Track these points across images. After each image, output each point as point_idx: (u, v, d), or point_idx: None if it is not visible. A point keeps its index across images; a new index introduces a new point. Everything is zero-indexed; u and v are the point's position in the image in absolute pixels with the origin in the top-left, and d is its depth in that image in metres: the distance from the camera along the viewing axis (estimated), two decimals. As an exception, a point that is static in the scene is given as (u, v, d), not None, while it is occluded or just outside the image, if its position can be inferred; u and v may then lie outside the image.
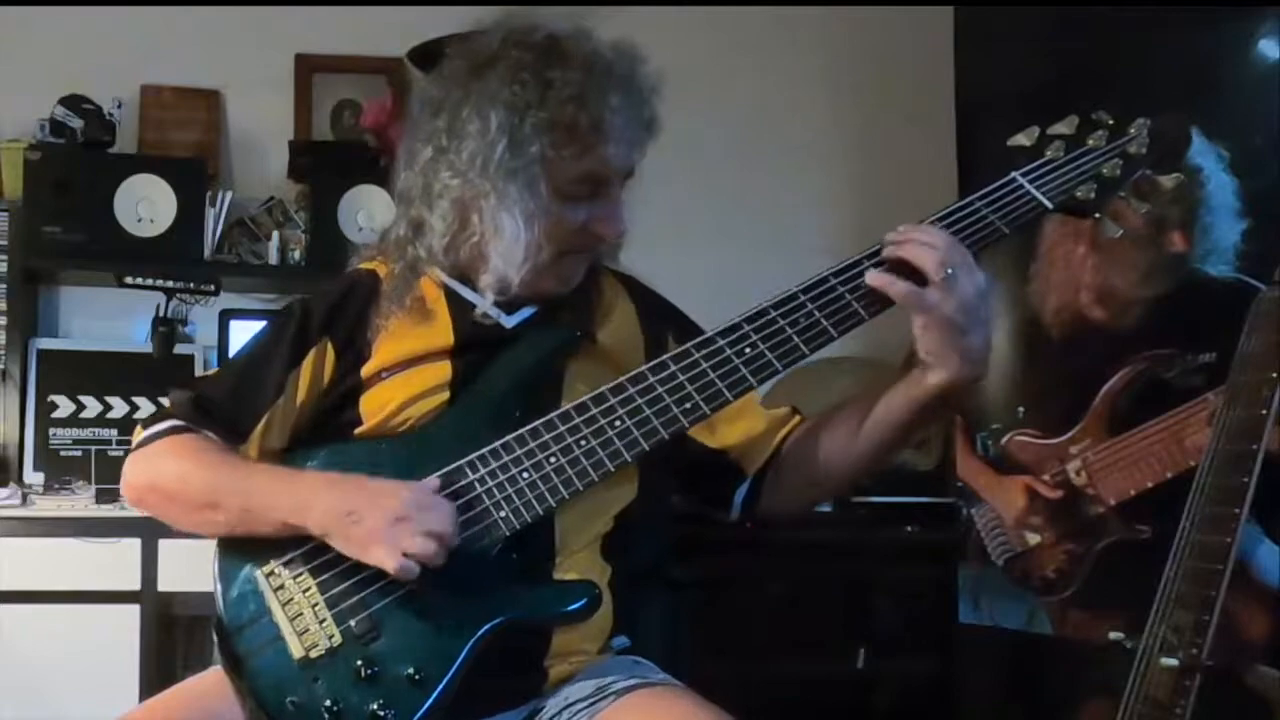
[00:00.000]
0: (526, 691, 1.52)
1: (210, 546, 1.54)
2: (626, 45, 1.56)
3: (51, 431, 3.02)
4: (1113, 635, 2.24)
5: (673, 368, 1.49)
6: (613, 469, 1.47)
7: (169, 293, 2.95)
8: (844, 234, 3.31)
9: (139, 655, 2.71)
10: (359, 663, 1.42)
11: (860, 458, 1.60)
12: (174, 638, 3.01)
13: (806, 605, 2.88)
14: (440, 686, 1.41)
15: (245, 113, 3.31)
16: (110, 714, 1.52)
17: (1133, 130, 1.54)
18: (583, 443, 1.47)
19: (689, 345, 1.50)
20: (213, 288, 2.98)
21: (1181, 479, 2.16)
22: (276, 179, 3.25)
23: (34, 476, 2.96)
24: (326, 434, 1.58)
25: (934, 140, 2.97)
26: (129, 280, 2.91)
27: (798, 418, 1.70)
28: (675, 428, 1.47)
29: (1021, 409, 2.55)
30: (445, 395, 1.56)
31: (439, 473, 1.47)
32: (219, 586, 1.50)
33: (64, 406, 3.03)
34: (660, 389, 1.48)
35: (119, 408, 3.06)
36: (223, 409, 1.58)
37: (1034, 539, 2.52)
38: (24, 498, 2.81)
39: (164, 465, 1.54)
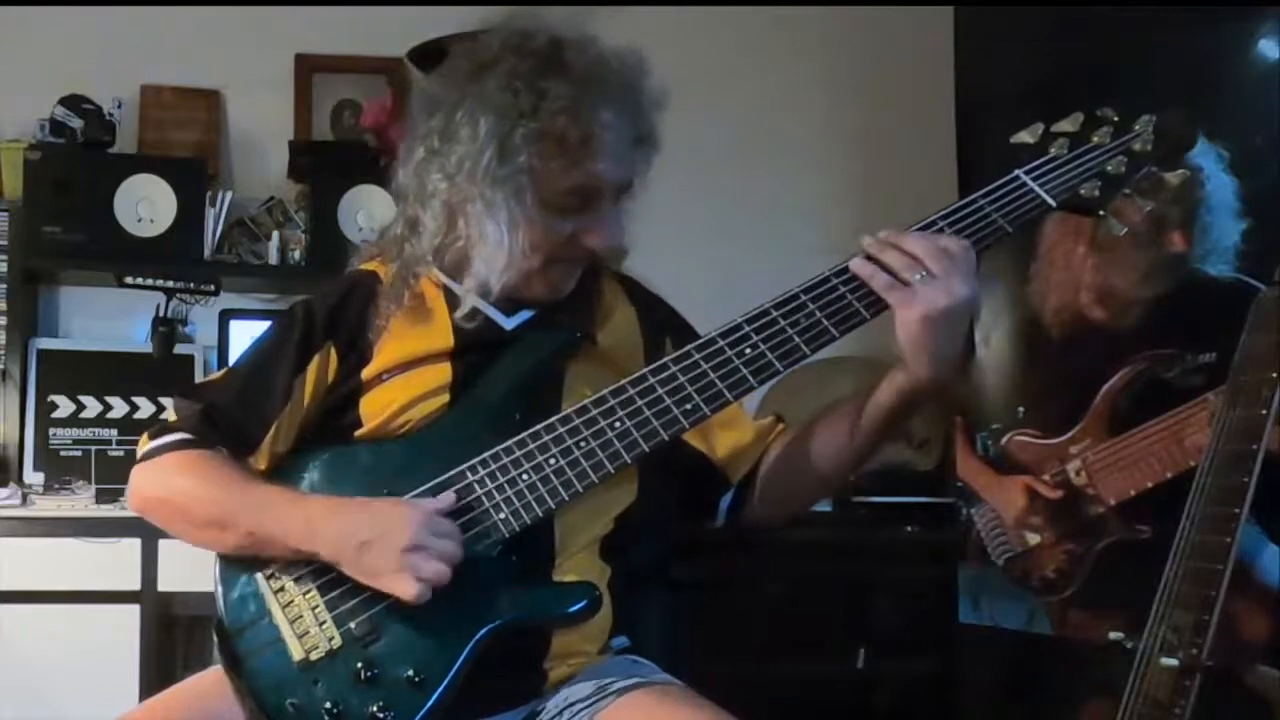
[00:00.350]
0: (526, 692, 1.52)
1: (211, 547, 1.54)
2: (631, 56, 1.55)
3: (51, 431, 3.02)
4: (1113, 635, 2.24)
5: (673, 369, 1.48)
6: (613, 470, 1.47)
7: (169, 293, 2.95)
8: (844, 234, 3.27)
9: (139, 655, 2.71)
10: (359, 665, 1.42)
11: (839, 463, 1.61)
12: (174, 638, 3.01)
13: (806, 605, 2.88)
14: (440, 688, 1.41)
15: (245, 113, 3.31)
16: (110, 714, 1.52)
17: (1138, 127, 1.53)
18: (582, 444, 1.47)
19: (689, 347, 1.50)
20: (213, 288, 2.99)
21: (1181, 479, 2.16)
22: (276, 179, 3.25)
23: (34, 476, 2.96)
24: (327, 436, 1.58)
25: (934, 140, 2.97)
26: (129, 280, 2.91)
27: (781, 426, 1.70)
28: (675, 429, 1.47)
29: (1021, 409, 2.55)
30: (445, 397, 1.56)
31: (439, 479, 1.47)
32: (220, 588, 1.50)
33: (64, 406, 3.03)
34: (660, 390, 1.48)
35: (119, 408, 3.06)
36: (232, 420, 1.57)
37: (1034, 539, 2.52)
38: (24, 498, 2.81)
39: (173, 481, 1.53)
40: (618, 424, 1.47)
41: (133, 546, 2.68)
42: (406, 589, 1.39)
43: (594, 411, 1.48)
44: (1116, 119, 1.54)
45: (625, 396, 1.48)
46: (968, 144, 2.71)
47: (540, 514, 1.46)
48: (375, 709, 1.40)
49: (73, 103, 3.04)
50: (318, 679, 1.42)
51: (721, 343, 1.48)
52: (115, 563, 2.77)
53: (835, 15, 3.50)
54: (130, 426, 3.04)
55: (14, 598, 2.99)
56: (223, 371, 1.69)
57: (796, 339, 1.47)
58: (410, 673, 1.41)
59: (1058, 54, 2.49)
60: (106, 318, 3.17)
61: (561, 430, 1.48)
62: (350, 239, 2.99)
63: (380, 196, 3.02)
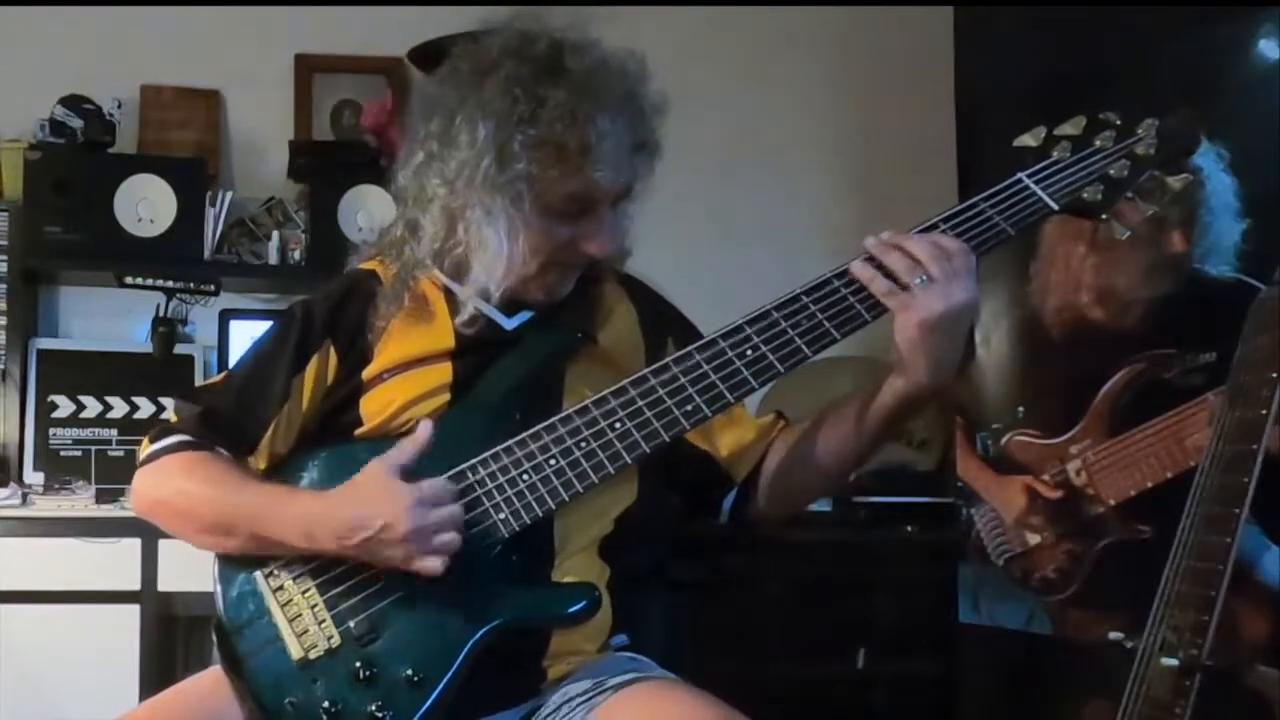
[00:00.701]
0: (525, 691, 1.52)
1: (210, 547, 1.54)
2: (632, 61, 1.55)
3: (51, 431, 3.02)
4: (1113, 635, 2.24)
5: (674, 370, 1.48)
6: (613, 471, 1.47)
7: (169, 293, 2.95)
8: (844, 234, 3.29)
9: (139, 655, 2.71)
10: (358, 664, 1.42)
11: (839, 462, 1.61)
12: (174, 638, 3.01)
13: (806, 605, 2.88)
14: (439, 688, 1.41)
15: (245, 113, 3.30)
16: (110, 714, 1.52)
17: (1140, 131, 1.53)
18: (583, 445, 1.47)
19: (690, 348, 1.50)
20: (213, 288, 2.99)
21: (1181, 479, 2.15)
22: (276, 179, 3.25)
23: (34, 476, 2.95)
24: (327, 435, 1.58)
25: (934, 140, 2.97)
26: (129, 280, 2.91)
27: (782, 423, 1.70)
28: (676, 430, 1.47)
29: (1021, 409, 2.55)
30: (446, 397, 1.56)
31: (439, 478, 1.47)
32: (219, 587, 1.51)
33: (64, 406, 3.03)
34: (661, 391, 1.48)
35: (119, 408, 3.06)
36: (231, 421, 1.57)
37: (1034, 539, 2.52)
38: (24, 498, 2.81)
39: (175, 484, 1.53)
40: (618, 424, 1.47)
41: (133, 546, 2.68)
42: (425, 568, 1.40)
43: (595, 412, 1.48)
44: (1119, 122, 1.54)
45: (626, 397, 1.48)
46: (968, 144, 2.71)
47: (540, 514, 1.46)
48: (374, 708, 1.40)
49: (73, 103, 3.04)
50: (316, 678, 1.43)
51: (723, 344, 1.48)
52: (115, 563, 2.77)
53: (835, 15, 3.50)
54: (130, 426, 3.04)
55: (14, 598, 2.98)
56: (223, 374, 1.70)
57: (797, 340, 1.47)
58: (409, 672, 1.41)
59: (1058, 54, 2.49)
60: (106, 318, 3.17)
61: (562, 430, 1.48)
62: (350, 239, 2.99)
63: (380, 196, 3.02)
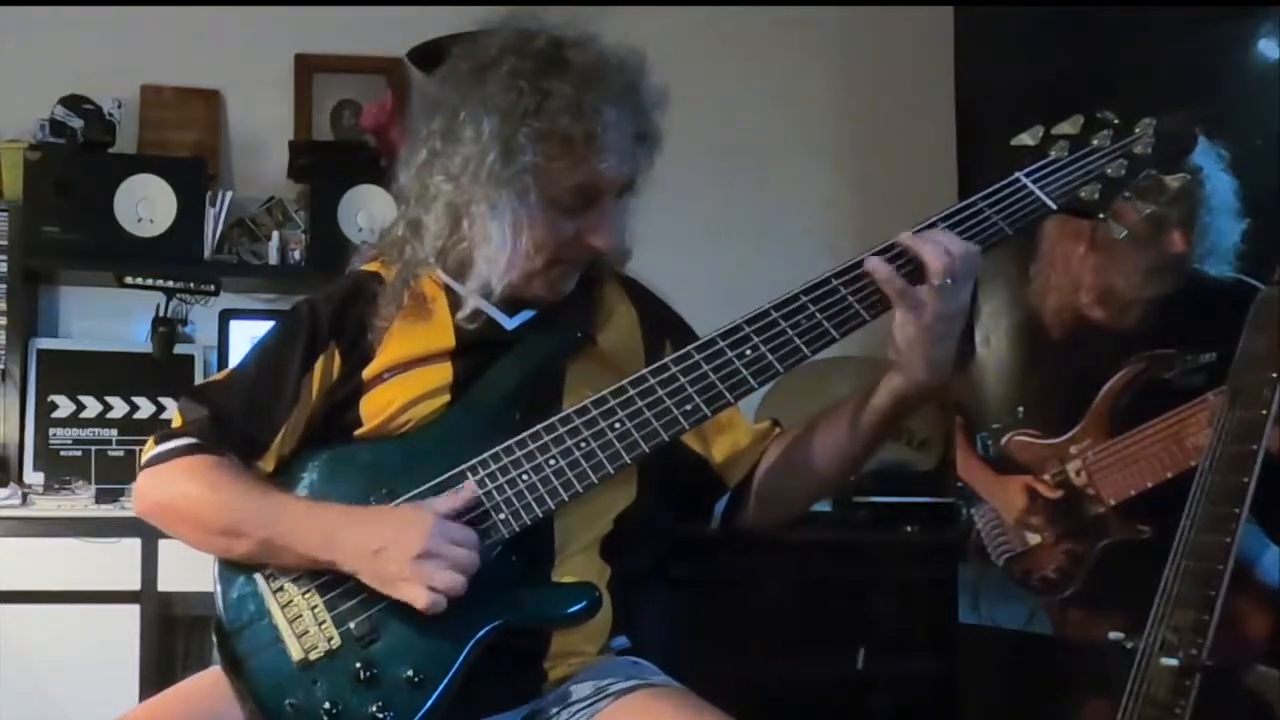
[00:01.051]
0: (525, 692, 1.52)
1: (210, 548, 1.54)
2: (632, 56, 1.56)
3: (51, 431, 3.02)
4: (1113, 635, 2.24)
5: (673, 370, 1.48)
6: (612, 471, 1.47)
7: (169, 293, 2.95)
8: (844, 234, 3.31)
9: (139, 655, 2.71)
10: (358, 665, 1.42)
11: (832, 467, 1.61)
12: (174, 638, 3.01)
13: (806, 605, 2.88)
14: (439, 688, 1.41)
15: (245, 113, 3.31)
16: (110, 714, 1.51)
17: (1138, 130, 1.53)
18: (582, 445, 1.47)
19: (690, 348, 1.49)
20: (213, 288, 2.99)
21: (1181, 479, 2.15)
22: (276, 179, 3.25)
23: (34, 476, 2.95)
24: (328, 435, 1.58)
25: (934, 140, 2.97)
26: (129, 280, 2.91)
27: (778, 430, 1.70)
28: (675, 430, 1.47)
29: (1021, 409, 2.55)
30: (446, 397, 1.56)
31: (439, 478, 1.47)
32: (219, 588, 1.50)
33: (64, 406, 3.03)
34: (660, 391, 1.48)
35: (119, 408, 3.06)
36: (241, 425, 1.56)
37: (1034, 539, 2.52)
38: (24, 498, 2.81)
39: (182, 487, 1.52)
40: (618, 424, 1.47)
41: (133, 546, 2.69)
42: (418, 598, 1.39)
43: (594, 412, 1.48)
44: (1117, 121, 1.54)
45: (625, 397, 1.48)
46: (968, 144, 2.71)
47: (540, 514, 1.46)
48: (374, 709, 1.40)
49: (73, 103, 3.04)
50: (317, 679, 1.42)
51: (722, 344, 1.48)
52: (115, 563, 2.77)
53: (835, 15, 3.50)
54: (130, 426, 3.04)
55: (14, 598, 2.99)
56: (227, 372, 1.68)
57: (796, 340, 1.47)
58: (409, 673, 1.41)
59: (1057, 54, 2.49)
60: (106, 318, 3.17)
61: (561, 431, 1.48)
62: (350, 239, 2.99)
63: (380, 196, 3.02)
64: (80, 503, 2.83)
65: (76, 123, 3.03)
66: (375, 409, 1.56)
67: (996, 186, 1.51)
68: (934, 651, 2.81)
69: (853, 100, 3.52)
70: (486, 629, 1.43)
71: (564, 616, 1.47)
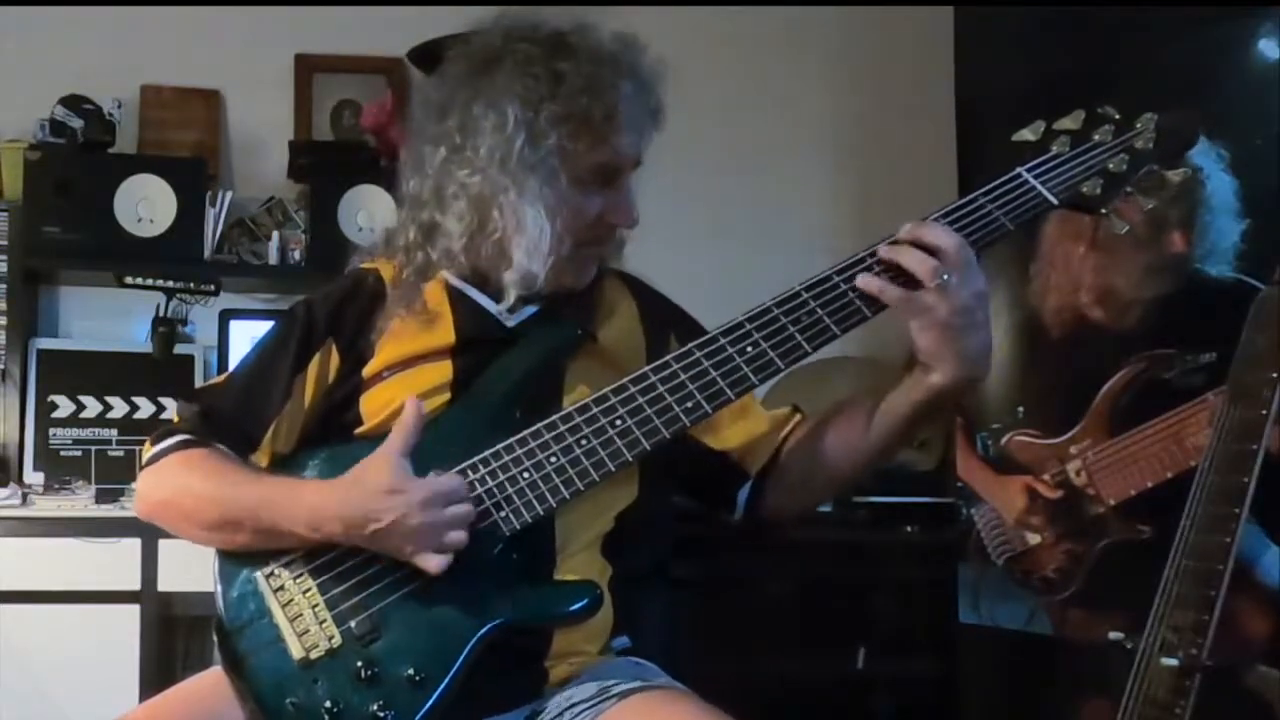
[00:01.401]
0: (527, 692, 1.52)
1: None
2: (627, 36, 1.58)
3: (51, 431, 3.01)
4: (1113, 635, 2.24)
5: (674, 366, 1.48)
6: (614, 469, 1.47)
7: (169, 293, 2.95)
8: (844, 233, 3.31)
9: (139, 655, 2.71)
10: (359, 664, 1.42)
11: (863, 457, 1.59)
12: (174, 638, 3.01)
13: (806, 605, 2.88)
14: (441, 687, 1.41)
15: (245, 113, 3.31)
16: (110, 714, 1.51)
17: (1139, 125, 1.53)
18: (583, 442, 1.47)
19: (691, 345, 1.50)
20: (213, 288, 2.98)
21: (1181, 479, 2.15)
22: (276, 179, 3.25)
23: (34, 476, 2.95)
24: (328, 434, 1.58)
25: (934, 140, 2.97)
26: (129, 280, 2.91)
27: (799, 416, 1.69)
28: (677, 427, 1.47)
29: (1021, 409, 2.55)
30: (446, 395, 1.56)
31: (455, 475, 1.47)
32: (219, 587, 1.50)
33: (64, 406, 3.03)
34: (662, 388, 1.47)
35: (119, 408, 3.06)
36: (232, 420, 1.57)
37: (1034, 539, 2.52)
38: (24, 498, 2.80)
39: (177, 482, 1.53)
40: (619, 422, 1.47)
41: (133, 546, 2.68)
42: (429, 565, 1.40)
43: (595, 409, 1.48)
44: (1118, 117, 1.54)
45: (627, 394, 1.48)
46: (968, 144, 2.71)
47: (540, 512, 1.46)
48: (375, 708, 1.40)
49: (73, 103, 3.04)
50: (318, 678, 1.42)
51: (723, 340, 1.48)
52: (115, 563, 2.77)
53: (835, 15, 3.50)
54: (130, 426, 3.04)
55: (14, 598, 2.99)
56: (224, 375, 1.69)
57: (798, 337, 1.46)
58: (410, 671, 1.41)
59: (1058, 54, 2.49)
60: (106, 318, 3.17)
61: (562, 428, 1.48)
62: (350, 239, 2.99)
63: (380, 196, 3.02)
64: (80, 503, 2.83)
65: (76, 123, 3.03)
66: (375, 407, 1.56)
67: (998, 182, 1.51)
68: (934, 651, 2.80)
69: (853, 100, 3.52)
70: (488, 627, 1.43)
71: (565, 615, 1.47)
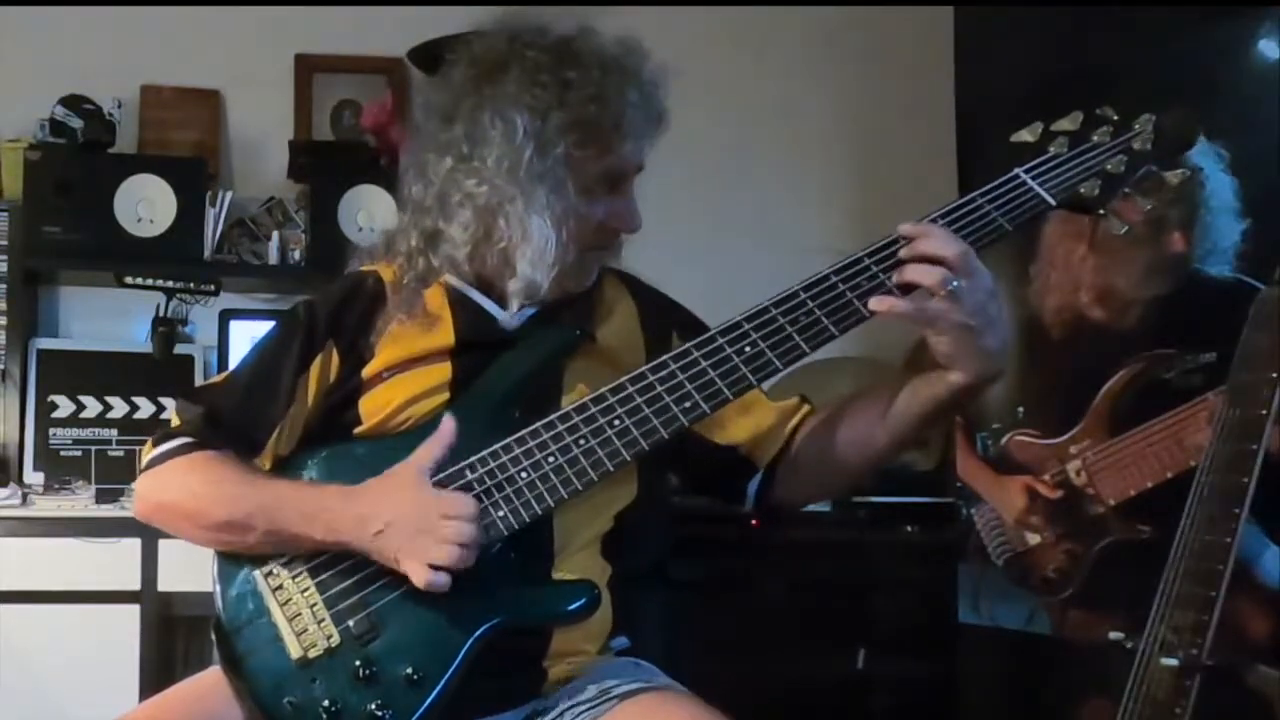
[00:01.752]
0: (526, 692, 1.52)
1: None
2: (631, 41, 1.58)
3: (51, 431, 3.01)
4: (1113, 635, 2.24)
5: (673, 367, 1.48)
6: (612, 469, 1.46)
7: (169, 293, 2.95)
8: (843, 233, 3.31)
9: (139, 655, 2.71)
10: (357, 663, 1.42)
11: (878, 450, 1.59)
12: (174, 638, 3.01)
13: (806, 605, 2.88)
14: (438, 687, 1.41)
15: (245, 113, 3.31)
16: (110, 714, 1.51)
17: (1138, 126, 1.52)
18: (582, 442, 1.47)
19: (689, 345, 1.49)
20: (213, 288, 2.99)
21: (1181, 479, 2.15)
22: (276, 179, 3.25)
23: (34, 476, 2.95)
24: (327, 434, 1.58)
25: (934, 140, 2.97)
26: (129, 280, 2.91)
27: (807, 407, 1.69)
28: (675, 427, 1.47)
29: (1021, 409, 2.55)
30: (445, 395, 1.56)
31: (438, 476, 1.46)
32: (218, 586, 1.50)
33: (64, 406, 3.03)
34: (660, 388, 1.47)
35: (119, 408, 3.06)
36: (236, 423, 1.57)
37: (1034, 539, 2.52)
38: (24, 498, 2.80)
39: (182, 485, 1.53)
40: (617, 422, 1.47)
41: (133, 546, 2.68)
42: (416, 575, 1.39)
43: (594, 409, 1.48)
44: (1116, 118, 1.54)
45: (625, 394, 1.48)
46: (968, 144, 2.71)
47: (539, 512, 1.46)
48: (373, 707, 1.40)
49: (73, 103, 3.04)
50: (316, 677, 1.42)
51: (721, 340, 1.48)
52: (115, 563, 2.77)
53: (835, 14, 3.50)
54: (130, 426, 3.04)
55: (14, 598, 2.99)
56: (225, 374, 1.69)
57: (796, 337, 1.46)
58: (409, 671, 1.41)
59: (1057, 54, 2.49)
60: (106, 318, 3.17)
61: (561, 428, 1.48)
62: (350, 239, 2.99)
63: (380, 196, 3.02)
64: (80, 503, 2.83)
65: (76, 123, 3.03)
66: (375, 408, 1.56)
67: (996, 183, 1.51)
68: (934, 651, 2.80)
69: (853, 100, 3.52)
70: (486, 627, 1.43)
71: (563, 614, 1.47)
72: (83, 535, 2.80)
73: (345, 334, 1.60)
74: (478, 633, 1.43)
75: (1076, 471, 2.42)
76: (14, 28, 3.18)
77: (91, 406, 3.04)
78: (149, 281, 2.92)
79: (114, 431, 3.04)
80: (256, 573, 1.49)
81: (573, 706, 1.48)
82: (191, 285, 2.96)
